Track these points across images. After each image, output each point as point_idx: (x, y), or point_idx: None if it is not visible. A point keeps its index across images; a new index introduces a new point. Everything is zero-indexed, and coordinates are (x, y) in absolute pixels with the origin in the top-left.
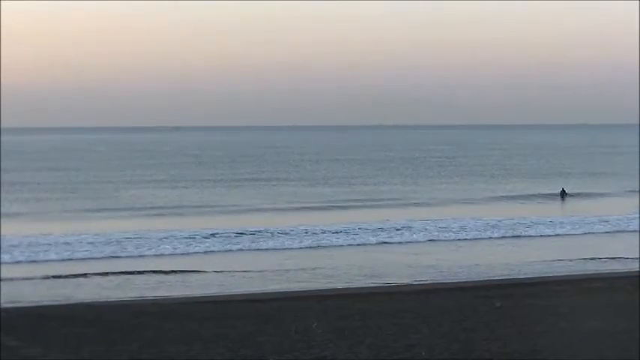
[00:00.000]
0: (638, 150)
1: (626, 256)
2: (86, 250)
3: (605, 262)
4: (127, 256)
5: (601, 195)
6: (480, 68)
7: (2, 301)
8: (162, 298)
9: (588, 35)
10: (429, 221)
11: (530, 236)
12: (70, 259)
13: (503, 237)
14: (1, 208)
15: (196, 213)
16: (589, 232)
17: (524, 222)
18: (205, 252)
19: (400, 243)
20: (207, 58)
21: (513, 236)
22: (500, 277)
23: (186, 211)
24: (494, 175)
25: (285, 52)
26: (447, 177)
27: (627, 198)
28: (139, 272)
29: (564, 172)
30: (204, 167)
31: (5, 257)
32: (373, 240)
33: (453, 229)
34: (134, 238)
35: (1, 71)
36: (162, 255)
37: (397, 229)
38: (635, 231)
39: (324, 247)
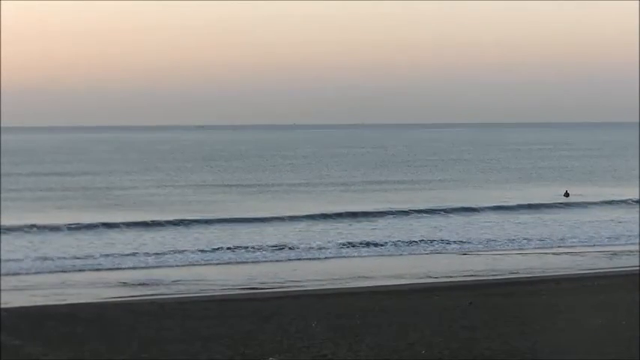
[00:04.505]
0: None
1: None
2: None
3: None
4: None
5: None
6: (479, 68)
7: (3, 301)
8: (162, 297)
9: (588, 35)
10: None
11: None
12: (75, 260)
13: None
14: (7, 208)
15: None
16: None
17: None
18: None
19: None
20: (209, 57)
21: None
22: (499, 276)
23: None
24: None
25: (286, 53)
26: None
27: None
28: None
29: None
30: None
31: (7, 256)
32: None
33: None
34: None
35: (1, 71)
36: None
37: None
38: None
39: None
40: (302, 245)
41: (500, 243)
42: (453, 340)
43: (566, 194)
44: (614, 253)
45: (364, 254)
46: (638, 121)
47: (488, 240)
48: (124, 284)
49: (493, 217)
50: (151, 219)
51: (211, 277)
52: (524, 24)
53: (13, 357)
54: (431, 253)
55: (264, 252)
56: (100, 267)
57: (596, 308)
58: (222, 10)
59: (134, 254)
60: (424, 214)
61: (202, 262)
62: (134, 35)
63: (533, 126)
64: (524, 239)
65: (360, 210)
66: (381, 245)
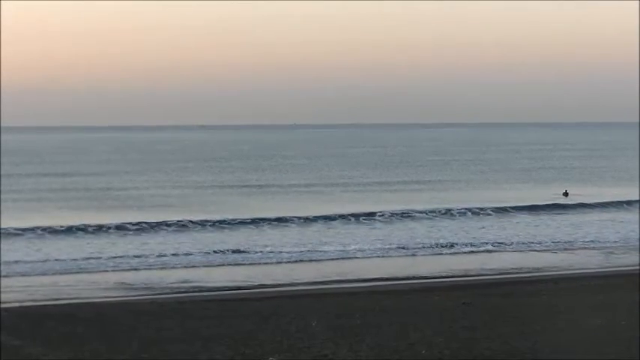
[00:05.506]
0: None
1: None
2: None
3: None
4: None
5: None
6: (479, 68)
7: (3, 301)
8: (161, 297)
9: (588, 35)
10: None
11: None
12: (75, 259)
13: None
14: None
15: None
16: None
17: None
18: None
19: None
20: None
21: None
22: (499, 276)
23: None
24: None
25: (284, 53)
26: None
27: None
28: None
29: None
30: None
31: (8, 256)
32: None
33: None
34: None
35: (1, 71)
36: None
37: None
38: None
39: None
40: (302, 245)
41: (499, 243)
42: (453, 340)
43: (566, 194)
44: (614, 253)
45: (364, 254)
46: (638, 121)
47: (488, 240)
48: (124, 284)
49: (492, 217)
50: (151, 219)
51: (211, 277)
52: (524, 24)
53: (13, 357)
54: (431, 253)
55: (264, 252)
56: (100, 267)
57: (596, 308)
58: (222, 10)
59: (134, 255)
60: (424, 214)
61: (202, 263)
62: (134, 35)
63: (533, 126)
64: (524, 239)
65: (360, 210)
66: (381, 245)
